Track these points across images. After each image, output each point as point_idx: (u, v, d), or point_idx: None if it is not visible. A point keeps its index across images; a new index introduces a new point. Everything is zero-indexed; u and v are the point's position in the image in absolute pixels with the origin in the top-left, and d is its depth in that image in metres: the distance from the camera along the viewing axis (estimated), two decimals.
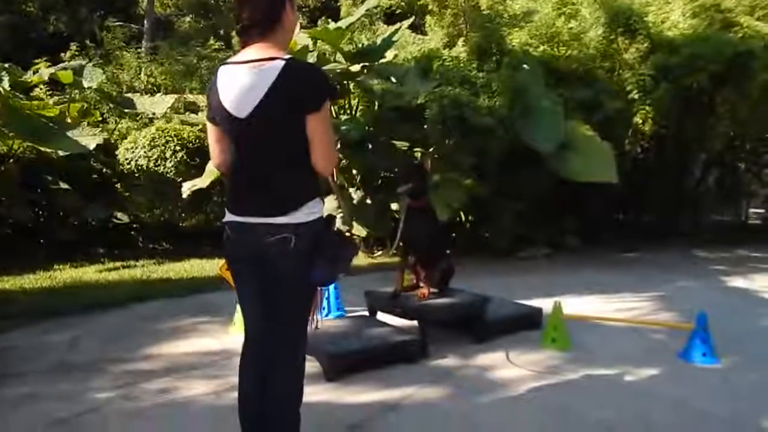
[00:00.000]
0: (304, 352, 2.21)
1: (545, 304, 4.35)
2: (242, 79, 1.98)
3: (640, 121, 7.78)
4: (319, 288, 2.25)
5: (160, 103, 8.24)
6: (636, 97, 7.63)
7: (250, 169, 2.06)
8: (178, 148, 7.57)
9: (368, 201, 7.42)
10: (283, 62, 1.96)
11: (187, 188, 6.88)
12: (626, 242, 8.77)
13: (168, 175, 7.48)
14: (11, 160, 7.37)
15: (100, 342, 3.92)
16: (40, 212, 7.77)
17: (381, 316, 4.13)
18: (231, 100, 2.01)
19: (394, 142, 7.33)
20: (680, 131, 8.44)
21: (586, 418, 2.81)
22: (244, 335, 2.22)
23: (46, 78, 7.95)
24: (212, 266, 6.38)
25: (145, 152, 7.56)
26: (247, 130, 2.01)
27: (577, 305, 4.81)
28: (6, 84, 7.02)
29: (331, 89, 2.11)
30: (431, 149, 6.98)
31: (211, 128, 2.16)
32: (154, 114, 8.43)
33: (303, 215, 2.02)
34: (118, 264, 6.64)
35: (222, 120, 2.06)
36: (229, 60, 2.10)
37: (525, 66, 7.23)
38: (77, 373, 3.33)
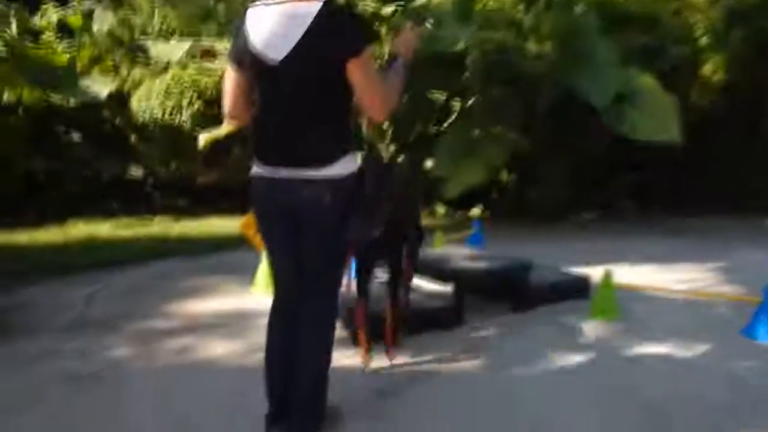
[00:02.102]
0: (337, 311, 2.27)
1: (594, 273, 4.31)
2: (276, 21, 1.99)
3: (709, 71, 7.49)
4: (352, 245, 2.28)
5: (176, 49, 8.27)
6: (705, 43, 7.33)
7: (284, 118, 2.07)
8: (195, 97, 7.63)
9: (400, 158, 7.40)
10: (320, 4, 1.97)
11: (202, 139, 6.94)
12: (687, 207, 8.57)
13: (184, 127, 7.57)
14: (21, 110, 7.56)
15: (117, 299, 4.08)
16: (52, 164, 7.98)
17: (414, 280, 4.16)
18: (264, 43, 2.01)
19: (430, 92, 7.24)
20: (755, 82, 8.09)
21: (636, 395, 2.80)
22: (274, 292, 2.28)
23: (55, 22, 8.06)
24: (231, 224, 6.50)
25: (160, 102, 7.64)
26: (280, 76, 2.02)
27: (629, 275, 4.75)
28: (14, 29, 7.17)
29: (371, 35, 2.15)
30: (471, 100, 6.88)
31: (231, 75, 2.16)
32: (168, 61, 8.47)
33: (339, 169, 2.06)
34: (133, 220, 6.83)
35: (251, 65, 2.06)
36: (258, 2, 2.10)
37: (579, 7, 6.98)
38: (94, 330, 3.48)
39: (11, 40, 6.90)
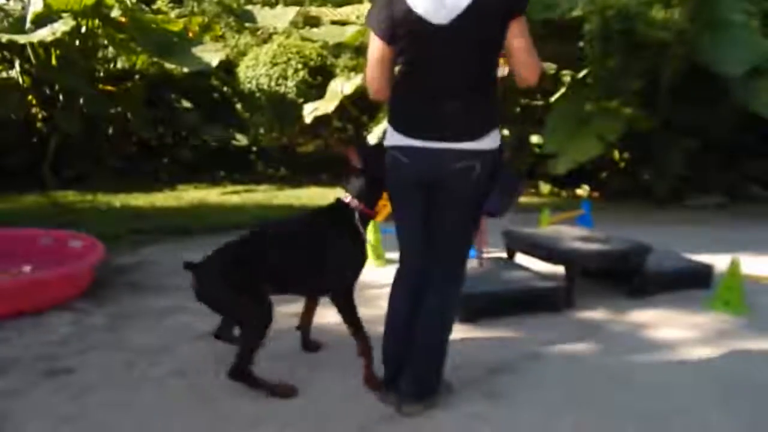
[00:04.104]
0: (463, 285, 2.35)
1: (715, 262, 4.17)
2: None
3: None
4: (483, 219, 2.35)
5: (282, 17, 8.56)
6: None
7: (440, 87, 2.10)
8: (299, 66, 7.89)
9: (505, 131, 7.33)
10: None
11: (309, 112, 7.21)
12: None
13: (289, 96, 7.87)
14: (136, 77, 8.14)
15: None
16: (163, 131, 8.57)
17: (520, 259, 4.19)
18: (427, 5, 2.01)
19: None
20: None
21: (762, 393, 2.70)
22: (400, 262, 2.40)
23: None
24: (332, 194, 6.73)
25: (266, 70, 7.96)
26: (444, 41, 2.03)
27: (753, 266, 4.52)
28: None
29: None
30: (586, 71, 6.67)
31: (379, 46, 2.12)
32: (275, 28, 8.79)
33: (490, 141, 2.12)
34: (239, 188, 7.24)
35: (408, 31, 2.04)
36: None
37: None
38: None
39: (130, 7, 7.41)
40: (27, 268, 3.92)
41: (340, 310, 2.71)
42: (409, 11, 2.04)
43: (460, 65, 2.07)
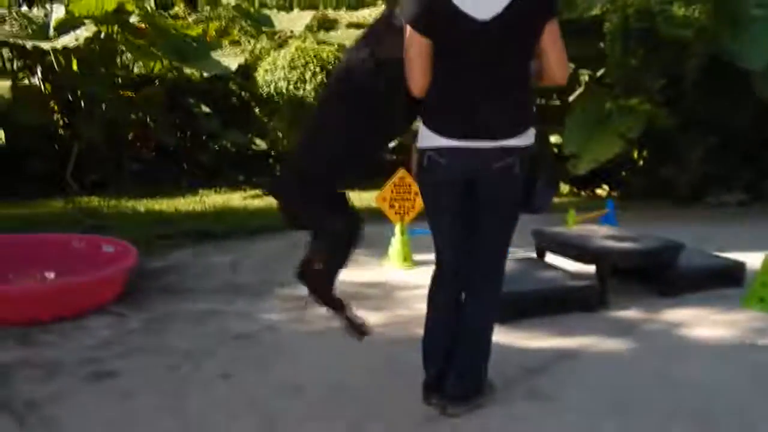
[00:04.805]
0: (503, 283, 2.35)
1: (744, 259, 4.13)
2: None
3: None
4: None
5: (298, 20, 8.59)
6: None
7: (482, 84, 2.10)
8: (317, 69, 7.88)
9: None
10: None
11: None
12: None
13: (307, 100, 7.87)
14: (156, 82, 8.18)
15: (260, 266, 4.39)
16: (182, 136, 8.59)
17: (550, 258, 4.17)
18: (470, 0, 2.00)
19: None
20: None
21: None
22: (437, 264, 2.39)
23: None
24: (354, 199, 6.73)
25: (284, 74, 7.97)
26: (484, 37, 2.03)
27: None
28: (152, 2, 7.74)
29: None
30: (604, 70, 6.64)
31: (419, 41, 2.07)
32: (292, 32, 8.81)
33: (529, 137, 2.14)
34: (259, 191, 7.26)
35: (448, 26, 2.03)
36: None
37: None
38: (246, 294, 3.81)
39: (150, 13, 7.47)
40: (51, 275, 3.94)
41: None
42: (451, 5, 2.01)
43: (502, 62, 2.08)
